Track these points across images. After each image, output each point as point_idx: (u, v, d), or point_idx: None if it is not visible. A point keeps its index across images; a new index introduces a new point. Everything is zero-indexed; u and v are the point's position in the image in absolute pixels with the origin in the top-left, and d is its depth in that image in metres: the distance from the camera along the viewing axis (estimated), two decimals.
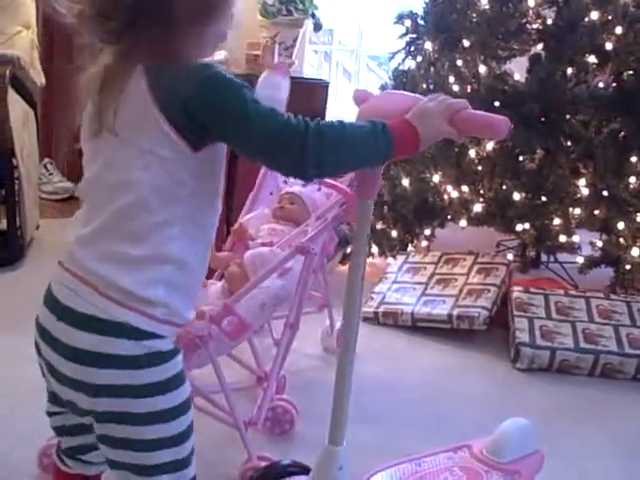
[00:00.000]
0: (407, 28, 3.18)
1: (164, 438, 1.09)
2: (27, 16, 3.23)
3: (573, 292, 2.75)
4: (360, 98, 1.30)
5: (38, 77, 3.15)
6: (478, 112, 1.16)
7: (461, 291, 2.73)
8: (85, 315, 1.05)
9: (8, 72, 2.81)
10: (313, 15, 3.37)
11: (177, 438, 1.11)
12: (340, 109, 3.90)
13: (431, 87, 3.08)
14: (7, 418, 1.93)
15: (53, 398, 1.18)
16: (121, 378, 1.05)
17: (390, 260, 3.09)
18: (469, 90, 2.94)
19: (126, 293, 1.05)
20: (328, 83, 3.31)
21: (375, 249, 3.11)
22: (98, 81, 1.07)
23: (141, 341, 1.06)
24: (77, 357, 1.06)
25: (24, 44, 3.12)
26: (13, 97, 2.88)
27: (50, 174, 3.87)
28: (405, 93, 1.25)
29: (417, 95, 1.21)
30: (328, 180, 1.82)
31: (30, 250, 3.10)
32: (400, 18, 3.19)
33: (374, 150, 1.06)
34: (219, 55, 3.36)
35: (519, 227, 2.88)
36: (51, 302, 1.10)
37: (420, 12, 3.15)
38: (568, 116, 2.81)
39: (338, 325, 2.40)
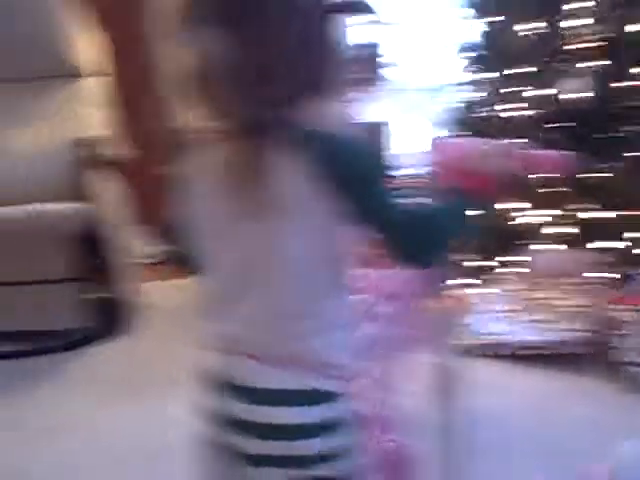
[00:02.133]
0: (468, 60, 3.22)
1: None
2: (99, 96, 3.43)
3: None
4: (436, 147, 1.35)
5: (119, 150, 3.31)
6: (541, 151, 1.22)
7: (560, 315, 2.70)
8: (280, 391, 1.06)
9: (90, 152, 3.01)
10: None
11: None
12: (403, 145, 3.94)
13: (494, 113, 3.10)
14: None
15: None
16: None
17: (482, 290, 3.07)
18: (535, 113, 2.93)
19: (314, 362, 1.07)
20: (385, 123, 3.38)
21: (466, 280, 3.11)
22: (241, 163, 1.01)
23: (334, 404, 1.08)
24: (275, 434, 1.06)
25: (101, 122, 3.30)
26: (99, 173, 3.06)
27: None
28: (475, 139, 1.31)
29: (485, 139, 1.26)
30: None
31: (134, 315, 3.21)
32: (462, 50, 3.24)
33: (463, 220, 1.11)
34: None
35: (612, 244, 2.82)
36: (231, 388, 1.09)
37: (479, 42, 3.19)
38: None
39: (439, 361, 2.40)
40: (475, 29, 3.20)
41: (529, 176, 1.21)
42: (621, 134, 2.74)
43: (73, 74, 3.43)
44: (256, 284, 1.06)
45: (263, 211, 1.01)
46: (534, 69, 2.92)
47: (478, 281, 3.11)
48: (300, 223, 1.02)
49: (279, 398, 1.05)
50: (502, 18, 3.04)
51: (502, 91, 3.04)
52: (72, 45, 3.42)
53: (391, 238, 1.05)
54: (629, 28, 2.73)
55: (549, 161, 1.21)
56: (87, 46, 3.48)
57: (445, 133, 3.19)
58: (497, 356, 2.68)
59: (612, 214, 2.81)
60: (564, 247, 2.97)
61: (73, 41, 3.42)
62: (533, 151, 1.19)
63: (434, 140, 1.42)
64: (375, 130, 3.32)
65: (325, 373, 1.07)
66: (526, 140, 2.78)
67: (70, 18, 3.42)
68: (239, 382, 1.08)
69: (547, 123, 2.85)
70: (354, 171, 1.02)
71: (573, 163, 1.18)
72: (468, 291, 3.13)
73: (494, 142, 1.20)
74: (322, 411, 1.06)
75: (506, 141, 1.23)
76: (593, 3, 2.82)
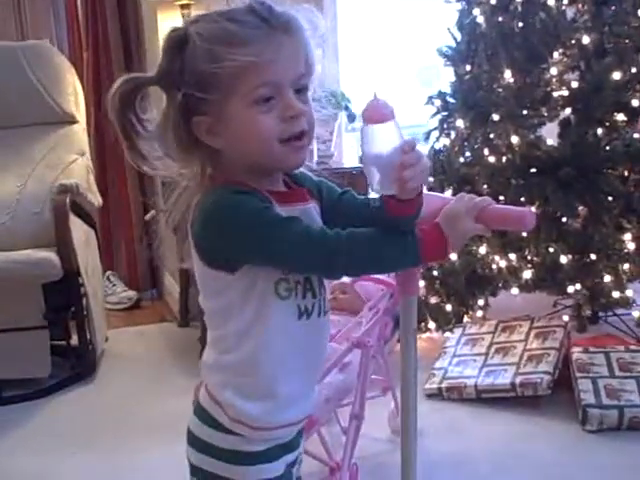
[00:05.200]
0: (437, 108, 3.30)
1: None
2: (81, 144, 3.48)
3: (634, 347, 2.75)
4: None
5: (95, 199, 3.35)
6: (504, 207, 1.22)
7: (521, 358, 2.76)
8: None
9: (68, 200, 3.03)
10: (346, 107, 3.53)
11: None
12: None
13: (468, 160, 3.19)
14: None
15: None
16: None
17: (448, 334, 3.14)
18: (504, 161, 3.03)
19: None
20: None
21: (432, 324, 3.17)
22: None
23: None
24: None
25: (81, 170, 3.34)
26: (74, 221, 3.08)
27: (113, 285, 4.05)
28: (434, 194, 1.33)
29: (446, 196, 1.29)
30: (375, 276, 1.92)
31: (102, 362, 3.23)
32: (430, 99, 3.32)
33: (401, 258, 1.11)
34: None
35: (571, 289, 2.91)
36: None
37: (448, 90, 3.27)
38: (606, 171, 2.88)
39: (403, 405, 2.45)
40: (446, 77, 3.30)
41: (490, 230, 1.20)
42: (585, 182, 2.84)
43: (67, 121, 3.52)
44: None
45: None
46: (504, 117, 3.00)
47: (446, 324, 3.18)
48: (203, 280, 1.13)
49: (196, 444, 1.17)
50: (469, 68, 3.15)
51: (474, 138, 3.14)
52: (66, 93, 3.51)
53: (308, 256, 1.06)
54: (600, 78, 2.84)
55: (511, 215, 1.21)
56: (78, 95, 3.57)
57: None
58: (462, 399, 2.73)
59: (577, 258, 2.89)
60: (528, 291, 3.06)
61: (68, 89, 3.52)
62: (495, 206, 1.19)
63: None
64: (358, 177, 3.37)
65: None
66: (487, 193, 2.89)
67: (65, 69, 3.54)
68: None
69: (524, 168, 2.93)
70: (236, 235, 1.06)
71: (533, 218, 1.20)
72: (436, 333, 3.21)
73: (460, 198, 1.18)
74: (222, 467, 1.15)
75: (469, 196, 1.21)
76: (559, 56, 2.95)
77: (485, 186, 3.05)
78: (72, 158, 3.36)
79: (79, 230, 3.13)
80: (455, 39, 3.21)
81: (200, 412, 1.17)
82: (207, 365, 1.17)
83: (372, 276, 1.96)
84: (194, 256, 1.11)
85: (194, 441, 1.17)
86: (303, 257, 1.07)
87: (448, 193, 2.99)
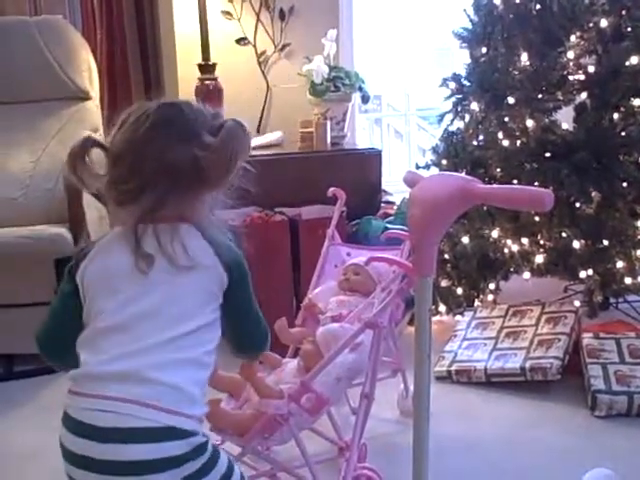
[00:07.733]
0: (452, 90, 3.28)
1: None
2: (94, 121, 3.47)
3: None
4: (411, 181, 1.39)
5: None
6: (516, 187, 1.22)
7: (532, 343, 2.76)
8: (135, 429, 1.18)
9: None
10: (360, 88, 3.51)
11: None
12: (393, 173, 4.02)
13: (482, 143, 3.17)
14: None
15: None
16: (178, 475, 1.20)
17: (458, 317, 3.14)
18: (519, 144, 3.01)
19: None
20: (380, 151, 3.41)
21: (442, 307, 3.17)
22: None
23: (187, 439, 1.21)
24: (134, 469, 1.17)
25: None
26: (87, 198, 3.07)
27: None
28: (452, 174, 1.33)
29: (463, 175, 1.29)
30: (389, 257, 1.91)
31: None
32: (445, 81, 3.30)
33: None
34: (275, 135, 3.53)
35: (583, 274, 2.90)
36: (85, 430, 1.20)
37: (463, 73, 3.25)
38: (621, 156, 2.86)
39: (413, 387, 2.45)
40: (462, 59, 3.28)
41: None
42: (600, 167, 2.82)
43: (80, 97, 3.52)
44: (160, 333, 1.26)
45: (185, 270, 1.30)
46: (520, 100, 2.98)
47: (457, 307, 3.18)
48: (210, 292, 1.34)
49: (137, 435, 1.17)
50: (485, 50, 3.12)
51: (489, 121, 3.11)
52: (80, 69, 3.51)
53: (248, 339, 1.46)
54: (617, 62, 2.81)
55: (524, 197, 1.23)
56: (92, 71, 3.57)
57: (427, 163, 3.25)
58: (471, 382, 2.73)
59: (589, 243, 2.88)
60: (540, 275, 3.05)
61: (82, 65, 3.52)
62: (503, 187, 1.22)
63: (407, 173, 1.45)
64: (373, 157, 3.36)
65: (183, 413, 1.21)
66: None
67: (80, 45, 3.54)
68: (99, 424, 1.19)
69: (539, 152, 2.92)
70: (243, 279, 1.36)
71: (550, 200, 1.19)
72: (447, 316, 3.21)
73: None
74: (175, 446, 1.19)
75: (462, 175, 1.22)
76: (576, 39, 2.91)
77: (498, 170, 3.03)
78: (85, 134, 3.34)
79: (92, 207, 3.13)
80: (471, 21, 3.19)
81: (158, 431, 1.19)
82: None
83: (385, 257, 1.95)
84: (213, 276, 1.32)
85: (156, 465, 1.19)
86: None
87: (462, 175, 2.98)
